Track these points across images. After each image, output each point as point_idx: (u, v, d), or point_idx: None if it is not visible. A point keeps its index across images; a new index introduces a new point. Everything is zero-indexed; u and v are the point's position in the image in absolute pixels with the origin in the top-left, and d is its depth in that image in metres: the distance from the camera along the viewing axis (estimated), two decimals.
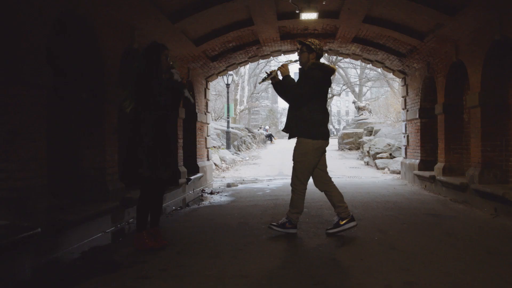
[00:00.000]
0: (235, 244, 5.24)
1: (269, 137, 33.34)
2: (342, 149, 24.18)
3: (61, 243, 5.09)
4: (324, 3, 8.96)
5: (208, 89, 13.01)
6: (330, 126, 48.77)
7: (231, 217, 7.09)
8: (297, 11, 9.04)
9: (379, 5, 8.76)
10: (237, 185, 12.45)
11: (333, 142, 29.00)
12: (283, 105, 72.65)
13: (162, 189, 5.21)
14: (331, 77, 5.70)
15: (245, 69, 35.04)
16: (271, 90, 68.00)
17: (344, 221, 5.49)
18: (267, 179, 14.06)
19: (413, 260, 4.49)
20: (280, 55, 13.02)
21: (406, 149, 12.63)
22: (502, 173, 7.77)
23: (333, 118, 65.05)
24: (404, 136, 12.81)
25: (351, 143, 23.82)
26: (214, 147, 21.03)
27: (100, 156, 6.47)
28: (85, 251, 5.08)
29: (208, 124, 12.99)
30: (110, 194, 6.43)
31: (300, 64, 5.67)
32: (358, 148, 22.44)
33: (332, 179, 5.70)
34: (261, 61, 49.68)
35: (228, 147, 21.42)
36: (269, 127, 39.84)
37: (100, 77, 6.46)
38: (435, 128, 10.34)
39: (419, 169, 11.13)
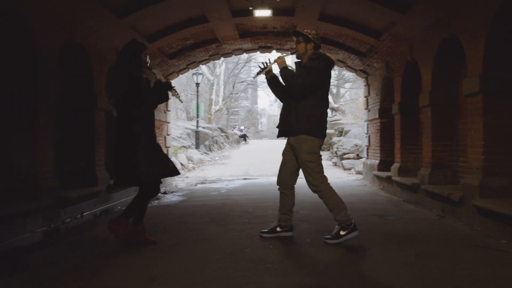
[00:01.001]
0: (160, 245, 5.03)
1: (244, 137, 33.17)
2: None
3: None
4: (278, 0, 8.85)
5: None
6: None
7: (171, 217, 6.88)
8: (251, 8, 8.89)
9: (333, 2, 8.63)
10: (195, 185, 12.23)
11: None
12: (262, 105, 72.58)
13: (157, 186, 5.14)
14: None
15: (221, 69, 34.70)
16: (250, 90, 67.84)
17: (281, 230, 5.30)
18: (229, 179, 13.86)
19: (334, 263, 4.32)
20: (242, 53, 12.89)
21: (367, 149, 12.55)
22: (452, 174, 7.71)
23: None
24: (366, 136, 12.73)
25: (323, 143, 23.70)
26: (184, 146, 20.79)
27: (32, 153, 6.19)
28: None
29: (168, 123, 12.74)
30: (42, 193, 6.17)
31: (298, 56, 5.22)
32: (329, 149, 22.35)
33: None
34: (240, 61, 49.64)
35: (197, 147, 21.15)
36: (245, 127, 39.63)
37: (33, 72, 6.18)
38: (394, 128, 10.25)
39: (379, 170, 11.04)
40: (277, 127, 5.41)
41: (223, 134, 28.21)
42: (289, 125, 5.11)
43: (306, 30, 5.23)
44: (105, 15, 7.55)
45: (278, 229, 5.32)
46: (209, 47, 11.53)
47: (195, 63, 12.61)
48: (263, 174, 15.29)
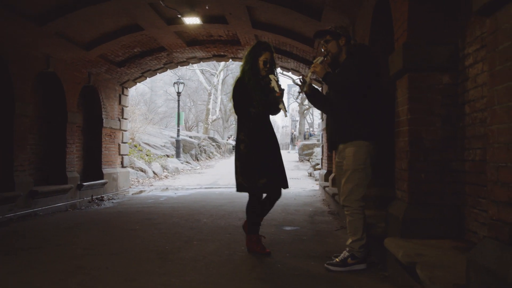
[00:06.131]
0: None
1: None
2: (302, 160, 23.91)
3: None
4: (207, 7, 8.84)
5: (125, 95, 12.82)
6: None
7: (70, 223, 6.95)
8: (179, 16, 8.90)
9: (256, 10, 8.58)
10: (139, 193, 12.29)
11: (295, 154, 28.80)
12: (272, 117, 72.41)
13: (274, 197, 4.92)
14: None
15: (218, 79, 34.87)
16: None
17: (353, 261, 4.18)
18: (190, 188, 13.78)
19: (158, 272, 4.23)
20: (199, 62, 12.88)
21: (322, 159, 12.38)
22: None
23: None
24: (320, 146, 12.56)
25: (310, 154, 23.53)
26: (167, 155, 20.87)
27: None
28: None
29: (125, 131, 12.78)
30: None
31: (332, 58, 4.36)
32: (309, 160, 22.19)
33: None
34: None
35: (177, 156, 21.13)
36: None
37: None
38: None
39: (324, 180, 10.87)
40: (326, 141, 4.76)
41: (214, 144, 28.21)
42: (340, 133, 4.29)
43: (329, 26, 4.45)
44: (18, 23, 7.60)
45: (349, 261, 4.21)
46: (159, 55, 11.55)
47: (150, 72, 12.65)
48: (231, 184, 15.17)
